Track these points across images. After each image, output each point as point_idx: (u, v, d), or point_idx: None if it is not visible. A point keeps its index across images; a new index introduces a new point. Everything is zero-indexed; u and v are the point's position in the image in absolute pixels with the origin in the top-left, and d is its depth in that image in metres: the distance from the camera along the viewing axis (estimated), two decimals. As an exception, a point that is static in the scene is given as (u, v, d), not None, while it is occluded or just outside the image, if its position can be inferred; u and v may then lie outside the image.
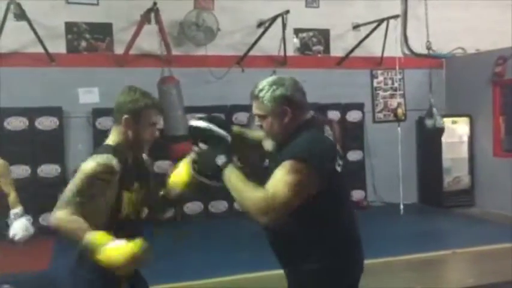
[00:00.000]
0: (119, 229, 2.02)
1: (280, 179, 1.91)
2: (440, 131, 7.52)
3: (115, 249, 1.86)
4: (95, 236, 1.89)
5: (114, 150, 2.09)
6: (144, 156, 2.32)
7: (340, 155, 2.13)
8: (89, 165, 2.01)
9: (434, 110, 7.50)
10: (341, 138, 6.96)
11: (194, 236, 6.64)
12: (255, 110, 2.11)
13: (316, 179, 1.95)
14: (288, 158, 1.94)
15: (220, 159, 2.01)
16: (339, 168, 2.08)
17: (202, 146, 2.12)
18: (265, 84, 2.08)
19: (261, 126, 2.13)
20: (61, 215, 1.96)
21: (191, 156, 2.13)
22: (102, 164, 2.01)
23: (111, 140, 2.15)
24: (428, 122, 7.49)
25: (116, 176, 2.04)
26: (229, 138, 2.23)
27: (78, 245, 1.94)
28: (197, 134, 2.20)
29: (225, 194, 6.67)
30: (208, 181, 2.08)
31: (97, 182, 1.99)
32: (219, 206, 7.74)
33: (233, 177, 1.97)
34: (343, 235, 2.13)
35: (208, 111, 7.61)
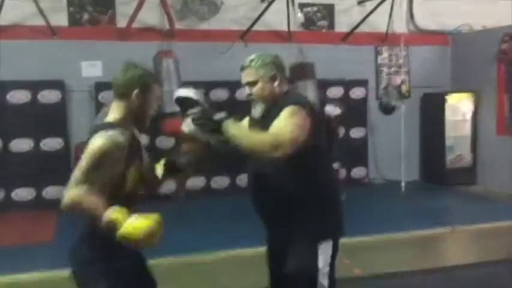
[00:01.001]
0: (122, 205, 2.02)
1: (283, 120, 2.13)
2: (393, 108, 7.89)
3: (136, 225, 1.86)
4: (115, 213, 1.89)
5: (119, 126, 2.08)
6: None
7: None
8: (99, 142, 1.99)
9: (389, 88, 8.14)
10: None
11: (195, 211, 6.68)
12: (246, 78, 2.35)
13: (311, 122, 2.19)
14: (285, 107, 2.18)
15: (219, 115, 2.16)
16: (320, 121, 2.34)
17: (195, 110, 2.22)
18: (255, 55, 2.36)
19: (250, 95, 2.35)
20: (75, 194, 1.93)
21: (190, 119, 2.21)
22: (111, 141, 2.00)
23: (113, 116, 2.13)
24: (384, 100, 7.98)
25: (123, 152, 2.04)
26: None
27: (95, 222, 1.94)
28: (187, 103, 2.30)
29: (227, 169, 6.66)
30: (212, 136, 2.17)
31: (107, 158, 1.98)
32: (221, 182, 7.77)
33: (235, 127, 2.14)
34: (332, 187, 2.42)
35: (211, 87, 7.66)
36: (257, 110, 2.36)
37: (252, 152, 2.14)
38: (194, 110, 2.20)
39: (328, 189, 2.35)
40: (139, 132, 2.25)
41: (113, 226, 1.87)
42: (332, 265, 2.33)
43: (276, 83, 2.32)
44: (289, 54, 6.86)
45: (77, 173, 1.97)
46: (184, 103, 2.30)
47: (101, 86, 6.97)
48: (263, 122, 2.27)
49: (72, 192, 1.94)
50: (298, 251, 2.27)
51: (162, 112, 6.60)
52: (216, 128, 2.13)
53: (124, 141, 2.04)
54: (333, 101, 7.45)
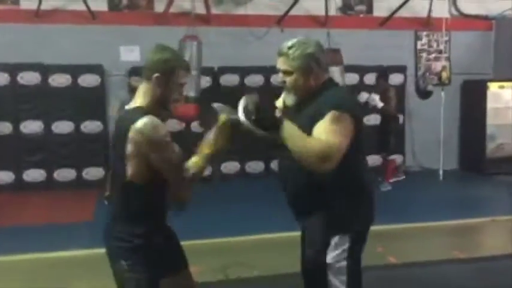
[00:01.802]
0: (161, 189, 2.11)
1: (328, 129, 2.05)
2: (429, 93, 7.98)
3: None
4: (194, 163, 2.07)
5: (146, 111, 2.07)
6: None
7: None
8: (139, 133, 2.00)
9: (427, 74, 8.03)
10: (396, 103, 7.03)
11: (229, 195, 6.75)
12: (282, 66, 2.23)
13: (353, 128, 2.12)
14: (328, 110, 2.08)
15: (277, 112, 2.08)
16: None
17: (256, 97, 2.10)
18: (295, 43, 2.22)
19: (284, 82, 2.25)
20: (186, 179, 2.06)
21: (243, 104, 2.07)
22: (151, 125, 2.01)
23: (140, 101, 2.13)
24: (421, 84, 7.94)
25: (166, 131, 2.07)
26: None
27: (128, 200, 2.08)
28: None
29: (261, 154, 6.70)
30: (263, 132, 2.05)
31: (163, 142, 2.04)
32: (255, 166, 7.82)
33: (292, 129, 2.05)
34: (362, 182, 2.29)
35: (246, 72, 7.66)
36: (290, 98, 2.30)
37: (299, 159, 2.05)
38: (250, 102, 2.08)
39: (353, 182, 2.23)
40: (158, 116, 2.25)
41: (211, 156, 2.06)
42: (353, 259, 2.23)
43: (311, 76, 2.20)
44: (325, 40, 6.80)
45: (168, 165, 2.04)
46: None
47: (138, 71, 7.06)
48: (297, 111, 2.23)
49: (181, 174, 2.06)
50: (311, 243, 2.27)
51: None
52: (274, 124, 2.05)
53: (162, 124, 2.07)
54: (371, 88, 7.36)
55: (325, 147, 2.00)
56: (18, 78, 7.05)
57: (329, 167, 2.02)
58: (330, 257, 2.19)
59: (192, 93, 6.55)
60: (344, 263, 2.20)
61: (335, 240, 2.19)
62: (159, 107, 2.15)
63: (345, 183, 2.19)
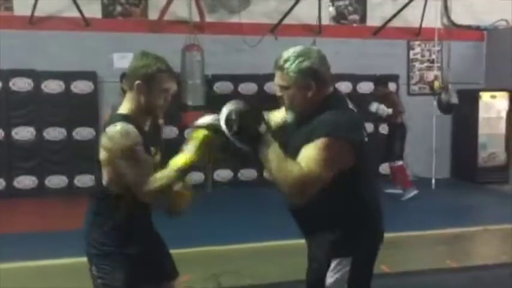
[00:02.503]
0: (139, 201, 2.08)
1: (313, 157, 1.89)
2: (453, 107, 7.54)
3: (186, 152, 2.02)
4: (175, 163, 2.01)
5: (127, 118, 2.06)
6: (160, 121, 2.33)
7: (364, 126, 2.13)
8: (107, 141, 1.99)
9: (449, 86, 7.55)
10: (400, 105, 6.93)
11: (221, 203, 6.73)
12: (278, 81, 2.05)
13: (349, 155, 1.96)
14: (319, 135, 1.91)
15: (262, 127, 1.92)
16: (365, 139, 2.08)
17: (240, 105, 1.94)
18: (291, 55, 2.01)
19: (280, 98, 2.08)
20: (147, 189, 1.99)
21: (226, 113, 1.92)
22: (119, 132, 1.98)
23: (124, 107, 2.12)
24: (444, 97, 7.50)
25: (135, 141, 2.02)
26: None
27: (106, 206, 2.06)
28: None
29: (255, 162, 6.65)
30: (241, 144, 1.90)
31: (126, 151, 1.98)
32: (248, 174, 7.80)
33: (272, 151, 1.90)
34: (366, 205, 2.13)
35: (239, 80, 7.67)
36: (289, 115, 2.15)
37: (275, 182, 1.92)
38: (233, 109, 1.92)
39: (358, 205, 2.08)
40: (154, 122, 2.22)
41: (185, 169, 2.00)
42: (355, 284, 2.08)
43: (310, 93, 2.00)
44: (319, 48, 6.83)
45: (129, 176, 2.00)
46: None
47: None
48: (296, 129, 2.10)
49: (144, 191, 2.00)
50: (312, 263, 2.16)
51: (184, 104, 6.74)
52: (255, 138, 1.90)
53: (132, 131, 2.01)
54: (365, 97, 7.39)
55: (300, 178, 1.85)
56: (11, 85, 7.01)
57: (300, 199, 1.92)
58: (330, 279, 2.06)
59: (199, 102, 6.59)
60: (345, 286, 2.07)
61: (335, 262, 2.06)
62: (143, 114, 2.13)
63: (347, 206, 2.06)
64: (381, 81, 7.36)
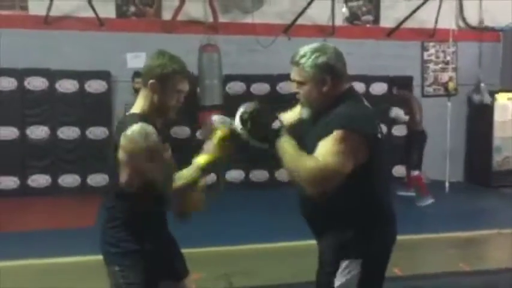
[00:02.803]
0: (154, 196, 2.10)
1: (330, 149, 1.90)
2: (486, 107, 7.15)
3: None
4: (198, 162, 2.07)
5: (143, 117, 2.06)
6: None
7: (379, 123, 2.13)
8: (127, 141, 1.99)
9: (482, 85, 7.11)
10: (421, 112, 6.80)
11: (233, 203, 6.72)
12: (294, 76, 2.08)
13: (364, 147, 1.96)
14: (334, 128, 1.92)
15: (277, 123, 1.98)
16: (380, 136, 2.07)
17: (255, 105, 2.03)
18: (308, 51, 2.04)
19: (297, 94, 2.11)
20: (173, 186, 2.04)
21: (239, 113, 2.00)
22: (140, 133, 1.98)
23: (138, 106, 2.13)
24: (476, 98, 7.11)
25: (156, 140, 2.03)
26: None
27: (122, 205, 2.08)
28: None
29: (266, 163, 6.68)
30: (258, 143, 1.98)
31: (149, 151, 2.00)
32: (259, 175, 7.79)
33: (288, 145, 1.94)
34: (379, 206, 2.12)
35: (252, 80, 7.67)
36: (305, 111, 2.18)
37: (291, 177, 1.94)
38: (248, 108, 2.00)
39: (370, 206, 2.06)
40: (165, 122, 2.21)
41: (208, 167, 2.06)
42: (367, 286, 2.07)
43: (325, 87, 2.02)
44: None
45: (152, 175, 2.04)
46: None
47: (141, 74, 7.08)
48: (312, 125, 2.11)
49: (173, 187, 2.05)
50: (322, 264, 2.14)
51: (202, 105, 6.76)
52: (270, 138, 1.96)
53: (151, 130, 2.02)
54: (378, 98, 7.33)
55: (317, 170, 1.86)
56: (26, 84, 7.08)
57: (319, 191, 1.90)
58: (339, 281, 2.04)
59: (216, 102, 6.61)
60: None
61: (345, 264, 2.04)
62: (156, 113, 2.13)
63: (359, 205, 2.04)
64: (400, 84, 7.18)
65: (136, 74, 6.74)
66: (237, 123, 1.99)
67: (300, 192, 2.17)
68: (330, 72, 2.02)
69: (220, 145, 2.06)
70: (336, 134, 1.91)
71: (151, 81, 2.07)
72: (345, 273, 2.04)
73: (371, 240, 2.07)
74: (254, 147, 2.03)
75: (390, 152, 7.61)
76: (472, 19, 8.44)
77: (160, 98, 2.09)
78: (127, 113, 2.15)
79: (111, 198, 2.16)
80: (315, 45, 2.07)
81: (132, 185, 2.05)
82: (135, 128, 1.99)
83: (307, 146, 2.02)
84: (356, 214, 2.05)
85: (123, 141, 2.00)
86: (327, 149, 1.91)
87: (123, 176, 2.04)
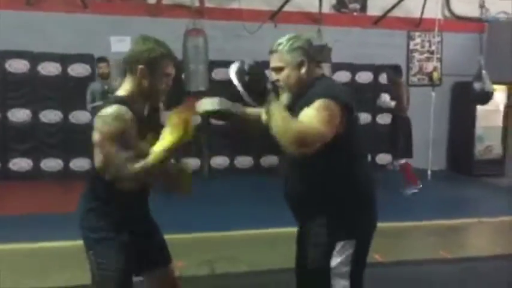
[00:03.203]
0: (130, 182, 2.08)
1: (313, 115, 2.00)
2: (489, 95, 6.89)
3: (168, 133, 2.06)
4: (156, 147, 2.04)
5: (124, 100, 2.04)
6: (160, 105, 2.30)
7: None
8: (100, 122, 1.98)
9: (483, 72, 6.88)
10: (408, 99, 6.74)
11: (217, 190, 6.73)
12: (273, 63, 2.22)
13: (342, 117, 2.06)
14: (315, 99, 2.04)
15: (270, 84, 2.08)
16: (355, 113, 2.17)
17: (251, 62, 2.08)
18: (284, 39, 2.23)
19: (277, 81, 2.23)
20: (125, 173, 2.00)
21: (238, 65, 2.06)
22: (111, 115, 1.97)
23: (123, 90, 2.11)
24: (477, 85, 6.89)
25: (128, 125, 2.01)
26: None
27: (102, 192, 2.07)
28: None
29: (251, 149, 6.68)
30: (249, 98, 2.04)
31: (114, 134, 1.97)
32: (244, 161, 7.79)
33: (278, 107, 2.02)
34: (363, 186, 2.23)
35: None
36: (284, 97, 2.25)
37: (278, 138, 1.98)
38: (250, 64, 2.06)
39: (358, 185, 2.20)
40: (154, 106, 2.20)
41: (164, 155, 2.02)
42: (357, 264, 2.17)
43: (303, 70, 2.18)
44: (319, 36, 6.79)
45: (106, 158, 2.00)
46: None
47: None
48: (292, 108, 2.16)
49: (123, 173, 2.01)
50: (314, 247, 2.20)
51: (187, 90, 6.70)
52: (263, 94, 2.02)
53: (126, 114, 2.00)
54: (364, 86, 7.33)
55: (304, 129, 1.96)
56: (7, 66, 6.95)
57: (305, 150, 1.97)
58: (335, 261, 2.14)
59: (201, 87, 6.53)
60: (348, 268, 2.15)
61: (340, 245, 2.14)
62: (144, 98, 2.12)
63: (344, 188, 2.15)
64: (391, 69, 6.98)
65: (100, 59, 6.60)
66: (233, 76, 2.05)
67: (287, 177, 2.26)
68: (306, 55, 2.20)
69: (179, 128, 2.05)
70: (317, 102, 2.03)
71: (140, 66, 2.05)
72: (340, 253, 2.14)
73: (361, 220, 2.20)
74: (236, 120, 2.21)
75: (374, 140, 7.68)
76: (458, 9, 8.47)
77: (150, 82, 2.08)
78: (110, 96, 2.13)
79: (89, 182, 2.14)
80: (290, 35, 2.25)
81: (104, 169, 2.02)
82: (108, 110, 1.98)
83: None
84: (342, 197, 2.16)
85: (96, 122, 2.00)
86: (309, 115, 2.01)
87: (97, 159, 2.02)
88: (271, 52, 2.22)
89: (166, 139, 2.04)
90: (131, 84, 2.10)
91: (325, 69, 6.61)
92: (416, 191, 6.64)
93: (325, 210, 2.16)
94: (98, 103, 5.93)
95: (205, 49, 6.72)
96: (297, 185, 2.21)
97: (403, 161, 6.72)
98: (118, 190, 2.07)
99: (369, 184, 2.27)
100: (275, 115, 1.98)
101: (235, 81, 2.03)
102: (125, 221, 2.13)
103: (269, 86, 2.05)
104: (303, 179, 2.19)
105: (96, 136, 2.01)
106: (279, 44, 2.20)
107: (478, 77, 6.88)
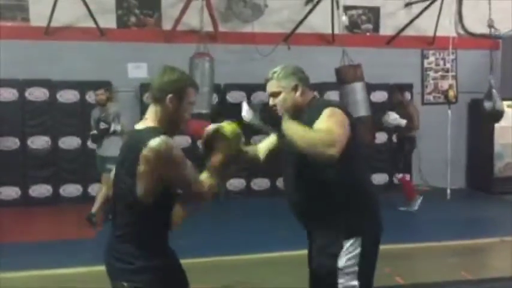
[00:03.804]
0: (166, 210, 2.16)
1: (327, 122, 2.13)
2: (499, 114, 6.88)
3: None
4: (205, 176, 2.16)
5: (160, 131, 2.08)
6: None
7: None
8: (169, 150, 2.03)
9: (494, 91, 6.86)
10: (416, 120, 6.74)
11: (234, 212, 6.72)
12: (270, 89, 2.42)
13: (348, 125, 2.19)
14: (322, 109, 2.19)
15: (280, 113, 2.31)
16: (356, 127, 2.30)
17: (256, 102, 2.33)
18: (278, 68, 2.43)
19: (274, 106, 2.39)
20: (204, 190, 2.13)
21: (250, 104, 2.36)
22: (166, 144, 2.02)
23: (152, 120, 2.14)
24: (487, 104, 6.86)
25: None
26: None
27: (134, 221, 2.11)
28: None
29: (267, 171, 6.69)
30: (266, 126, 2.33)
31: (180, 157, 2.07)
32: (261, 183, 7.79)
33: (293, 124, 2.16)
34: (367, 190, 2.38)
35: (252, 89, 7.69)
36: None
37: (305, 151, 2.09)
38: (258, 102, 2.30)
39: (363, 190, 2.33)
40: (171, 135, 2.25)
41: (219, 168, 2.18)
42: (365, 264, 2.23)
43: (297, 93, 2.36)
44: (331, 57, 6.83)
45: (186, 179, 2.10)
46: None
47: (146, 87, 7.12)
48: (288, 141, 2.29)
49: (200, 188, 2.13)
50: (321, 249, 2.28)
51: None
52: (277, 121, 2.23)
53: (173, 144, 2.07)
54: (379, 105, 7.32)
55: (327, 132, 2.07)
56: (27, 94, 7.11)
57: (334, 152, 2.02)
58: (342, 261, 2.21)
59: (204, 110, 6.56)
60: (356, 268, 2.21)
61: (347, 244, 2.22)
62: (171, 126, 2.17)
63: (350, 185, 2.25)
64: (397, 88, 7.12)
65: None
66: (247, 114, 2.32)
67: (290, 186, 2.38)
68: (299, 79, 2.39)
69: (228, 144, 2.22)
70: (325, 112, 2.18)
71: (170, 95, 2.11)
72: (347, 253, 2.21)
73: (368, 218, 2.30)
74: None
75: (371, 159, 7.62)
76: (472, 26, 8.47)
77: (177, 111, 2.15)
78: (138, 127, 2.16)
79: (124, 212, 2.13)
80: (282, 65, 2.47)
81: (148, 197, 2.04)
82: (159, 140, 2.01)
83: (288, 156, 2.30)
84: (349, 194, 2.25)
85: (147, 153, 2.00)
86: (325, 123, 2.13)
87: (142, 189, 2.03)
88: (267, 80, 2.43)
89: (218, 154, 2.20)
90: (158, 114, 2.15)
91: (358, 87, 6.58)
92: (416, 208, 6.53)
93: (332, 214, 2.26)
94: (93, 132, 6.11)
95: (210, 72, 6.74)
96: (303, 193, 2.31)
97: (400, 176, 6.70)
98: (153, 219, 2.09)
99: (372, 189, 2.43)
100: (294, 132, 2.12)
101: (249, 117, 2.31)
102: (157, 251, 2.13)
103: (281, 113, 2.28)
104: (309, 186, 2.28)
105: (144, 166, 2.00)
106: (274, 72, 2.41)
107: (489, 96, 6.83)
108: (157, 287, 2.10)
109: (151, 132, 2.06)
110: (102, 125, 6.02)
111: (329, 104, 2.28)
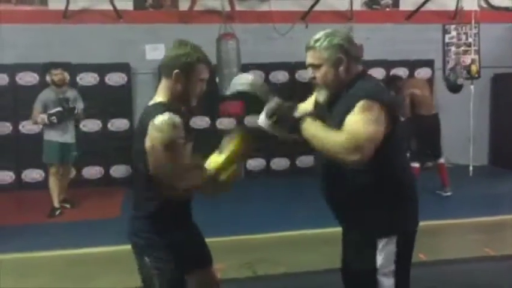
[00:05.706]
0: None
1: (358, 119, 1.94)
2: (459, 87, 7.11)
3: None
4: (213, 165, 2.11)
5: (169, 107, 2.06)
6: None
7: None
8: (157, 130, 1.98)
9: (457, 66, 7.50)
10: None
11: (254, 192, 6.74)
12: (310, 60, 2.14)
13: (387, 117, 1.99)
14: (356, 102, 1.98)
15: (297, 113, 2.08)
16: (400, 118, 2.15)
17: (275, 100, 2.12)
18: (322, 35, 2.13)
19: (314, 78, 2.16)
20: (183, 185, 2.04)
21: (268, 109, 2.10)
22: (168, 123, 1.98)
23: (162, 96, 2.13)
24: (451, 77, 7.21)
25: (182, 132, 2.04)
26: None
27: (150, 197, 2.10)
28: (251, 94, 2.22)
29: (287, 151, 6.66)
30: (287, 133, 2.08)
31: (175, 142, 2.00)
32: (280, 163, 7.79)
33: (313, 127, 2.01)
34: (405, 180, 2.18)
35: (270, 68, 7.64)
36: (322, 94, 2.17)
37: (328, 155, 1.97)
38: (272, 105, 2.08)
39: (397, 182, 2.12)
40: (187, 111, 2.21)
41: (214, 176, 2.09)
42: (402, 262, 2.12)
43: (341, 68, 2.08)
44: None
45: (164, 166, 2.01)
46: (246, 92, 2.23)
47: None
48: (329, 108, 2.13)
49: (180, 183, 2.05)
50: (356, 247, 2.18)
51: (221, 95, 6.74)
52: (295, 126, 2.03)
53: (179, 121, 2.02)
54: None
55: (352, 135, 1.90)
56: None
57: (358, 157, 1.89)
58: (379, 260, 2.10)
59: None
60: (393, 267, 2.10)
61: (382, 243, 2.09)
62: (179, 103, 2.14)
63: (387, 180, 2.08)
64: (395, 77, 6.68)
65: (54, 65, 6.40)
66: (263, 122, 2.10)
67: (326, 177, 2.21)
68: (345, 52, 2.09)
69: (236, 151, 2.14)
70: (359, 105, 1.96)
71: (176, 71, 2.07)
72: (383, 252, 2.09)
73: (403, 216, 2.14)
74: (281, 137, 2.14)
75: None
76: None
77: (185, 87, 2.10)
78: (150, 103, 2.16)
79: (140, 188, 2.16)
80: (327, 30, 2.15)
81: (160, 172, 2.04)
82: (163, 118, 1.99)
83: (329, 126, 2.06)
84: (385, 190, 2.09)
85: (150, 130, 2.00)
86: (355, 120, 1.95)
87: (151, 163, 2.03)
88: (308, 49, 2.14)
89: (221, 159, 2.11)
90: (167, 89, 2.12)
91: None
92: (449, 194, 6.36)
93: (369, 210, 2.11)
94: (58, 109, 5.66)
95: (237, 53, 6.75)
96: (340, 187, 2.14)
97: (442, 160, 6.47)
98: (169, 196, 2.09)
99: (411, 182, 2.22)
100: (314, 137, 1.99)
101: (266, 125, 2.11)
102: (175, 226, 2.15)
103: (297, 114, 2.06)
104: (347, 180, 2.10)
105: (150, 144, 2.01)
106: (316, 41, 2.11)
107: (453, 70, 7.36)
108: (176, 261, 2.12)
109: (158, 109, 2.05)
110: (65, 106, 5.67)
111: (368, 93, 2.01)
